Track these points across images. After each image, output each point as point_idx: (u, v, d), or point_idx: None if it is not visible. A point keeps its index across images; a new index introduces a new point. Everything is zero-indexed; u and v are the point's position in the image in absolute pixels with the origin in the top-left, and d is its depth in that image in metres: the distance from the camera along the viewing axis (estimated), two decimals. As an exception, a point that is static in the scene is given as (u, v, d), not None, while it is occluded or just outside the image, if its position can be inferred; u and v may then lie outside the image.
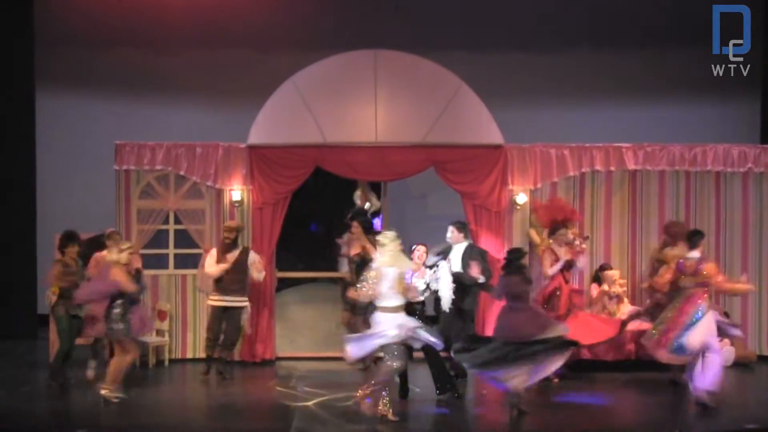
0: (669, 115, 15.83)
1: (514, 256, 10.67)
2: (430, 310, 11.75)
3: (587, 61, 16.01)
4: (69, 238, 11.67)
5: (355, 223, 12.59)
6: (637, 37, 15.95)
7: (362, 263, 11.72)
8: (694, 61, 15.53)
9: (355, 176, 13.27)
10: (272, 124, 13.11)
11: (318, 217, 16.41)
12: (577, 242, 12.89)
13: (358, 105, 13.12)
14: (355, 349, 10.13)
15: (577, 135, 14.20)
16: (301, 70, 13.25)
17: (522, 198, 13.17)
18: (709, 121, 15.88)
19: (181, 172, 13.15)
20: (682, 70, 15.85)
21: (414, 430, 10.14)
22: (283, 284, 14.21)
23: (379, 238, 10.32)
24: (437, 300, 12.02)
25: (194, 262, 13.02)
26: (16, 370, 12.48)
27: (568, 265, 12.19)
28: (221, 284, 12.13)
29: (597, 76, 15.99)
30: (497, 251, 13.02)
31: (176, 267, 13.13)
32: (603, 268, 13.09)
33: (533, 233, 13.02)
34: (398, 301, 10.07)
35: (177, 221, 13.20)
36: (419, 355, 11.25)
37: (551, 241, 12.81)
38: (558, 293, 12.03)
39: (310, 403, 10.79)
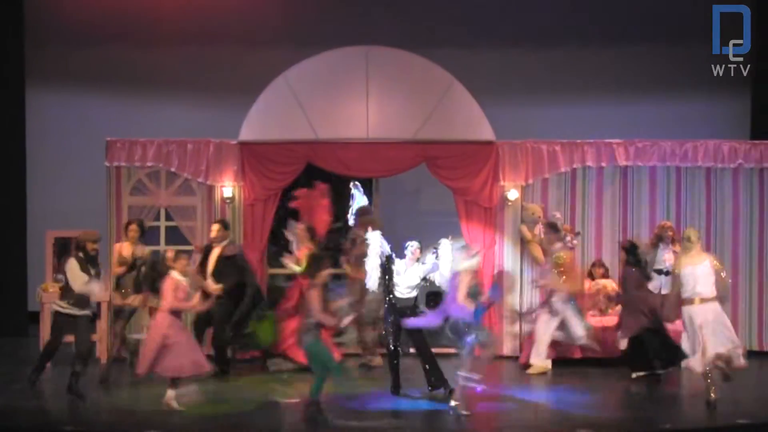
0: (660, 111, 15.86)
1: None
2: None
3: (578, 57, 16.02)
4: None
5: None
6: (628, 34, 15.97)
7: None
8: (684, 57, 15.60)
9: (347, 172, 13.25)
10: (264, 120, 13.11)
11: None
12: (569, 238, 12.92)
13: (350, 101, 13.12)
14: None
15: (569, 131, 14.23)
16: (292, 67, 13.25)
17: (513, 194, 13.18)
18: (700, 117, 15.91)
19: (173, 169, 13.14)
20: (673, 67, 15.88)
21: (405, 427, 10.13)
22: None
23: (687, 235, 10.61)
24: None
25: (186, 258, 13.01)
26: (6, 368, 12.43)
27: None
28: None
29: (588, 73, 16.01)
30: (489, 247, 13.07)
31: (168, 264, 13.09)
32: (596, 264, 13.13)
33: (524, 229, 13.02)
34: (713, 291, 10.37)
35: (168, 218, 13.19)
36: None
37: (542, 237, 12.85)
38: None
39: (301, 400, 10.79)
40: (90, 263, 10.91)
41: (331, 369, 9.96)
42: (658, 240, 12.73)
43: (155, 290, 10.55)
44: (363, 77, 13.11)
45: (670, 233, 12.74)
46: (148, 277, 11.02)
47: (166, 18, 15.73)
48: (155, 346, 10.04)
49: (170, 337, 10.01)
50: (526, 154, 13.34)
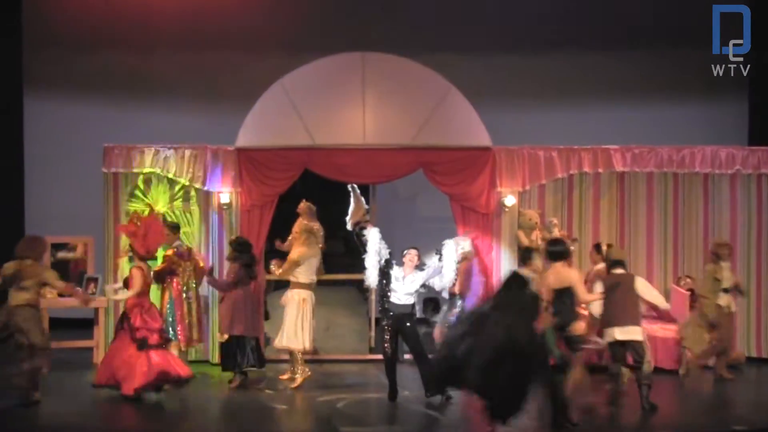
0: (657, 117, 15.85)
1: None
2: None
3: (575, 63, 16.03)
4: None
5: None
6: (625, 39, 15.97)
7: None
8: (682, 62, 15.60)
9: (343, 178, 13.22)
10: (261, 126, 13.11)
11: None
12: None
13: (347, 107, 13.12)
14: None
15: (565, 137, 14.22)
16: (289, 73, 13.26)
17: (510, 200, 13.18)
18: (697, 122, 15.91)
19: (170, 175, 13.13)
20: (671, 72, 15.89)
21: (403, 433, 10.15)
22: (272, 286, 14.15)
23: None
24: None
25: (182, 264, 13.01)
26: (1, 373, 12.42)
27: None
28: None
29: (585, 78, 16.02)
30: (486, 253, 13.06)
31: (164, 269, 13.08)
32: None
33: (521, 235, 13.02)
34: None
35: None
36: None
37: (540, 242, 12.84)
38: None
39: (297, 406, 10.79)
40: None
41: None
42: (718, 258, 12.23)
43: None
44: (360, 83, 13.11)
45: (727, 251, 12.34)
46: None
47: (164, 24, 15.75)
48: None
49: None
50: (523, 160, 13.34)
